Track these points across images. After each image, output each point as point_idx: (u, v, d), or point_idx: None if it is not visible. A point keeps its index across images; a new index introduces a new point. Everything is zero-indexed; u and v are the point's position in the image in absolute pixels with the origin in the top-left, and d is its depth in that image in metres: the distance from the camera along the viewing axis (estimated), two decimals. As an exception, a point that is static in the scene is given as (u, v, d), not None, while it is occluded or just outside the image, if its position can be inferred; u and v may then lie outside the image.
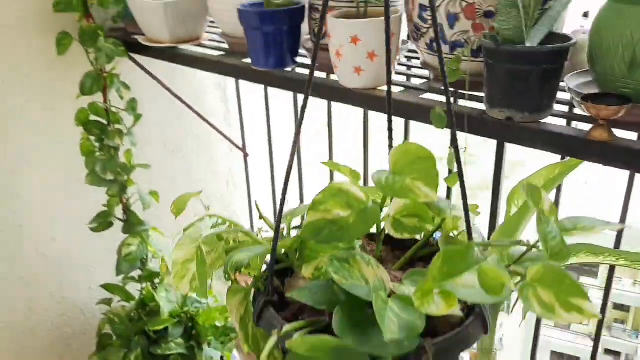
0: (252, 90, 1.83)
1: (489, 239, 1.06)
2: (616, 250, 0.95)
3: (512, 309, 0.84)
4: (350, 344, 0.57)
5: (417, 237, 0.80)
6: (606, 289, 1.25)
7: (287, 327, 0.63)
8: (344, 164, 0.84)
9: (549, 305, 0.55)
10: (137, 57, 1.44)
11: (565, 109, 0.90)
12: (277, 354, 0.65)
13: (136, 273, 1.54)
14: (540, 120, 0.83)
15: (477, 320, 0.66)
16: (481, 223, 1.17)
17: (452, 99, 0.91)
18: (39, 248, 1.51)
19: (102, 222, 1.43)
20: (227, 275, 0.73)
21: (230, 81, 1.79)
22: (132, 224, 1.48)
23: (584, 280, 10.58)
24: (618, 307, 11.04)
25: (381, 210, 0.71)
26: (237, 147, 1.80)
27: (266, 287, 0.70)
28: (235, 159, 1.91)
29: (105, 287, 1.54)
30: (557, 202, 1.12)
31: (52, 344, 1.61)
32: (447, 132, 0.96)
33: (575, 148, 0.78)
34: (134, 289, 1.56)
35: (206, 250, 0.77)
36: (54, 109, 1.44)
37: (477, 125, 0.86)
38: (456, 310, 0.56)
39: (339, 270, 0.61)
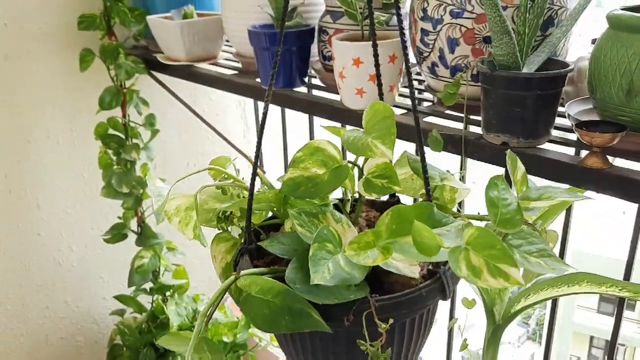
0: (270, 108, 1.85)
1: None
2: (619, 280, 0.93)
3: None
4: (294, 289, 0.59)
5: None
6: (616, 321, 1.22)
7: (247, 271, 0.64)
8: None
9: (477, 269, 0.55)
10: (158, 75, 1.49)
11: (570, 135, 0.89)
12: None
13: (148, 285, 1.57)
14: (537, 146, 0.82)
15: (434, 284, 0.65)
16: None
17: (447, 122, 0.91)
18: (56, 257, 1.56)
19: (116, 233, 1.47)
20: (217, 224, 0.76)
21: (249, 99, 1.82)
22: (145, 237, 1.51)
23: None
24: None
25: (361, 170, 0.72)
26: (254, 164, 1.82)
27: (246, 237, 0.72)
28: (253, 176, 1.93)
29: (118, 298, 1.58)
30: (566, 226, 1.10)
31: (65, 352, 1.65)
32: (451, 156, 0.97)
33: (569, 175, 0.77)
34: (145, 300, 1.59)
35: (204, 200, 0.80)
36: (74, 122, 1.49)
37: (474, 149, 0.86)
38: (396, 264, 0.57)
39: (305, 224, 0.63)
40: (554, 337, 1.34)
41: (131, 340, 1.50)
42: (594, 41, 1.01)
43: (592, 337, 10.98)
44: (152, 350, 1.48)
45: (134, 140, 1.45)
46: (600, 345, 10.94)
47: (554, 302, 1.27)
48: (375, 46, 0.71)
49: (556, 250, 1.16)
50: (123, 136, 1.44)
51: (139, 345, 1.50)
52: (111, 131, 1.43)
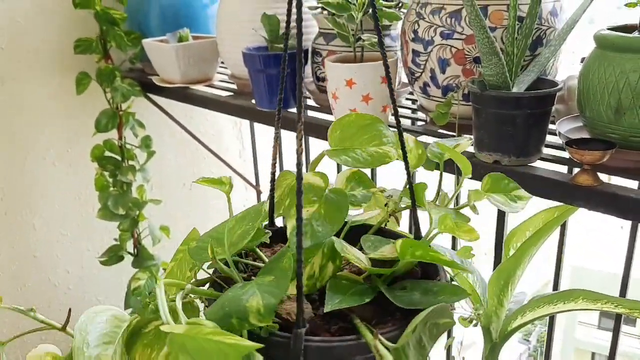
0: (266, 129, 1.87)
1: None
2: (614, 297, 0.93)
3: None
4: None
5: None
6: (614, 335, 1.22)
7: None
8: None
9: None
10: (154, 97, 1.50)
11: (562, 153, 0.90)
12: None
13: (145, 307, 1.56)
14: (529, 164, 0.83)
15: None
16: (486, 266, 1.16)
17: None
18: (51, 278, 1.55)
19: (112, 255, 1.47)
20: None
21: (245, 120, 1.83)
22: (142, 259, 1.51)
23: (624, 328, 10.18)
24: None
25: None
26: (251, 184, 1.83)
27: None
28: (249, 195, 1.94)
29: (115, 320, 1.57)
30: (561, 244, 1.10)
31: (62, 375, 1.63)
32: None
33: (561, 193, 0.78)
34: (142, 322, 1.58)
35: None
36: (71, 144, 1.50)
37: (466, 168, 0.86)
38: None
39: None
40: (556, 353, 1.34)
41: (128, 363, 1.49)
42: (583, 60, 1.03)
43: (593, 354, 10.90)
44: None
45: (130, 162, 1.46)
46: (602, 362, 10.87)
47: (551, 319, 1.27)
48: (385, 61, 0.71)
49: (552, 266, 1.16)
50: (119, 158, 1.45)
51: (135, 367, 1.48)
52: (107, 153, 1.43)
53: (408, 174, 0.67)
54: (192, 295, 0.60)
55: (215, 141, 1.78)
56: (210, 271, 0.66)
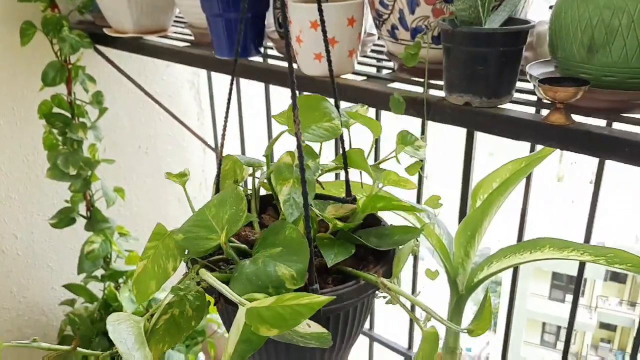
0: (225, 90, 1.80)
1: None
2: (580, 244, 0.93)
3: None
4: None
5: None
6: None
7: None
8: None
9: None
10: (106, 51, 1.42)
11: (531, 97, 0.88)
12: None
13: (99, 272, 1.50)
14: (499, 106, 0.81)
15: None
16: (450, 216, 1.15)
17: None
18: (-1, 244, 1.47)
19: (63, 217, 1.40)
20: None
21: (203, 79, 1.77)
22: (95, 222, 1.44)
23: (570, 298, 10.57)
24: (604, 326, 11.03)
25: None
26: (210, 147, 1.77)
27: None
28: (208, 158, 1.88)
29: (68, 287, 1.50)
30: (526, 195, 1.10)
31: (11, 345, 1.56)
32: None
33: (532, 133, 0.76)
34: (97, 289, 1.52)
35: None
36: (16, 101, 1.41)
37: (436, 111, 0.84)
38: None
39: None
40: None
41: (82, 330, 1.43)
42: (551, 7, 1.00)
43: (544, 324, 11.30)
44: (105, 339, 1.41)
45: (81, 119, 1.38)
46: (552, 331, 11.28)
47: (512, 293, 1.26)
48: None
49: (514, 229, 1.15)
50: (69, 115, 1.37)
51: (91, 334, 1.43)
52: (56, 110, 1.35)
53: (342, 141, 0.79)
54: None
55: (172, 103, 1.71)
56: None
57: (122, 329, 0.62)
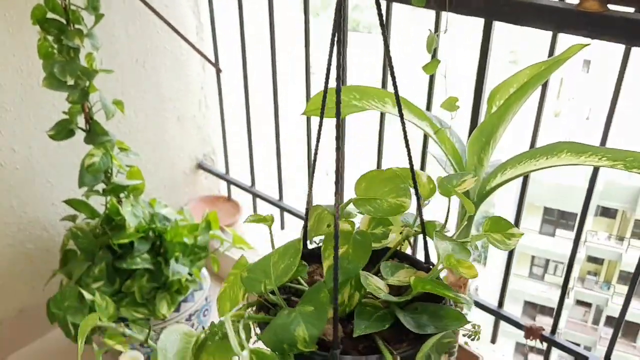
0: (225, 4, 1.73)
1: (469, 137, 1.01)
2: (599, 147, 0.91)
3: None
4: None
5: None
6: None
7: None
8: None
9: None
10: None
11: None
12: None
13: (101, 187, 1.47)
14: (528, -4, 0.76)
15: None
16: (463, 121, 1.12)
17: None
18: (-4, 158, 1.44)
19: (61, 129, 1.35)
20: None
21: (202, -9, 1.69)
22: (95, 134, 1.40)
23: (560, 232, 10.77)
24: (592, 259, 11.28)
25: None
26: (210, 62, 1.71)
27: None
28: (208, 76, 1.83)
29: (69, 202, 1.48)
30: (542, 100, 1.06)
31: (13, 260, 1.55)
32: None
33: (565, 21, 0.72)
34: (98, 204, 1.50)
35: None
36: (7, 5, 1.34)
37: (459, 2, 0.79)
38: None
39: None
40: (498, 258, 1.36)
41: (85, 243, 1.42)
42: None
43: (533, 257, 11.53)
44: (109, 252, 1.41)
45: (77, 26, 1.32)
46: (541, 264, 11.52)
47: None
48: None
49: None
50: (64, 21, 1.30)
51: (94, 248, 1.42)
52: (50, 15, 1.28)
53: (419, 206, 0.80)
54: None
55: (168, 15, 1.64)
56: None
57: (170, 340, 0.68)
